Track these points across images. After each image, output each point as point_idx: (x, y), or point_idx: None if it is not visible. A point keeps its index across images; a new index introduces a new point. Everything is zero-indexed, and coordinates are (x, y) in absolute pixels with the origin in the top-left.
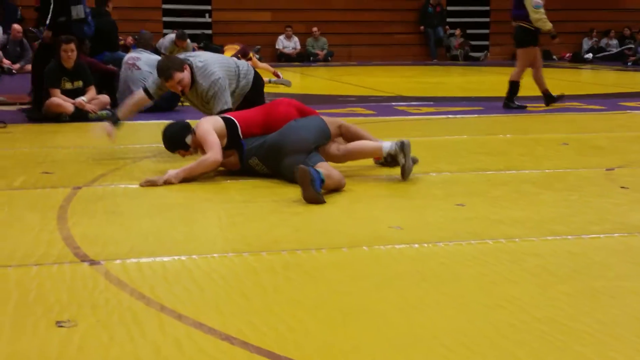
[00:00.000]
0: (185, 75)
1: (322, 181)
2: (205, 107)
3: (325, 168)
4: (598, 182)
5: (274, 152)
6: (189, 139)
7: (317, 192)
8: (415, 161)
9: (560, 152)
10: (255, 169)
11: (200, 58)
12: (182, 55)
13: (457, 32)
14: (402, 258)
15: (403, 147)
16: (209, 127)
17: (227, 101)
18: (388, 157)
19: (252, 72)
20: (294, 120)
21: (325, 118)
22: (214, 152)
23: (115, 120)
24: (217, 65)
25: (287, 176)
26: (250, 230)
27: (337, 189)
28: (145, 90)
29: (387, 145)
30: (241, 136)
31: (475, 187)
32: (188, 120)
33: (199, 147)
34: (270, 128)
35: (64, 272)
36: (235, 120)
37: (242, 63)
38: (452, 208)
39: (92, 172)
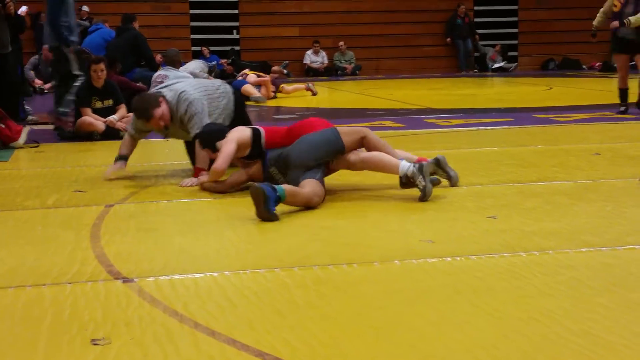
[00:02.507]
0: (163, 108)
1: (280, 198)
2: (188, 133)
3: (302, 186)
4: (632, 193)
5: (284, 164)
6: (219, 144)
7: (268, 211)
8: (436, 183)
9: (593, 162)
10: (275, 179)
11: (172, 87)
12: (153, 89)
13: (497, 47)
14: (435, 272)
15: (422, 169)
16: (231, 137)
17: (205, 121)
18: (404, 178)
19: (232, 91)
20: (307, 134)
21: (347, 128)
22: (218, 162)
23: (123, 159)
24: (192, 89)
25: None
26: (281, 246)
27: (308, 206)
28: (131, 136)
29: (405, 165)
30: (264, 146)
31: (507, 199)
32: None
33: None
34: (293, 139)
35: (98, 289)
36: (261, 130)
37: (219, 82)
38: (484, 220)
39: (123, 190)
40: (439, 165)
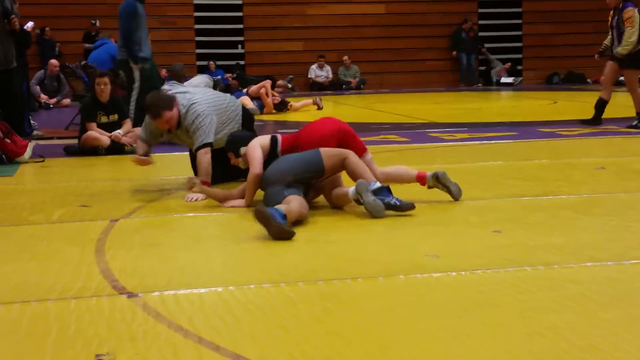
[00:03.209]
0: (174, 113)
1: (284, 216)
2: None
3: (288, 202)
4: (637, 207)
5: (264, 180)
6: (243, 150)
7: (281, 225)
8: (401, 207)
9: (597, 176)
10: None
11: (186, 95)
12: (171, 90)
13: (508, 65)
14: (440, 287)
15: (363, 187)
16: (255, 143)
17: (210, 136)
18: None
19: (241, 106)
20: (291, 154)
21: (331, 150)
22: (253, 167)
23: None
24: (204, 102)
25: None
26: (286, 260)
27: (299, 220)
28: (143, 139)
29: (352, 190)
30: (279, 153)
31: (512, 213)
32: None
33: (246, 162)
34: (303, 140)
35: (103, 305)
36: (278, 137)
37: (229, 96)
38: (489, 235)
39: (128, 205)
40: (438, 180)
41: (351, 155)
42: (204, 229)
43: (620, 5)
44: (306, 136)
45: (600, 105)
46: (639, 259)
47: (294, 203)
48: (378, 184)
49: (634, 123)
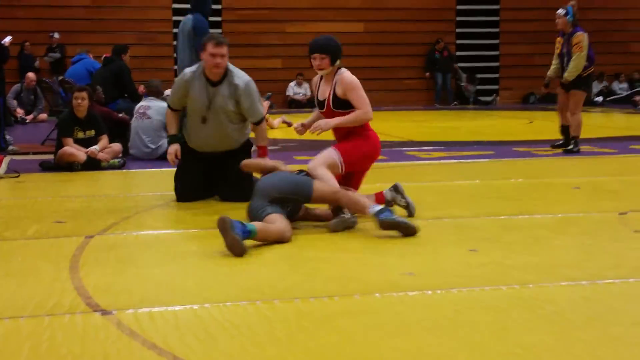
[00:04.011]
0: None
1: (250, 233)
2: (230, 113)
3: (271, 221)
4: (612, 227)
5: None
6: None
7: (237, 238)
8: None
9: (573, 196)
10: None
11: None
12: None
13: (467, 76)
14: (416, 305)
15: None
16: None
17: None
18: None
19: None
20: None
21: (323, 186)
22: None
23: (178, 139)
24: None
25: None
26: (262, 278)
27: (280, 241)
28: (169, 107)
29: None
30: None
31: (488, 232)
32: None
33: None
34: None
35: (76, 322)
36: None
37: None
38: (465, 253)
39: (104, 221)
40: (397, 190)
41: (341, 192)
42: (180, 245)
43: (570, 30)
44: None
45: (565, 130)
46: (613, 279)
47: (276, 224)
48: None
49: (570, 147)
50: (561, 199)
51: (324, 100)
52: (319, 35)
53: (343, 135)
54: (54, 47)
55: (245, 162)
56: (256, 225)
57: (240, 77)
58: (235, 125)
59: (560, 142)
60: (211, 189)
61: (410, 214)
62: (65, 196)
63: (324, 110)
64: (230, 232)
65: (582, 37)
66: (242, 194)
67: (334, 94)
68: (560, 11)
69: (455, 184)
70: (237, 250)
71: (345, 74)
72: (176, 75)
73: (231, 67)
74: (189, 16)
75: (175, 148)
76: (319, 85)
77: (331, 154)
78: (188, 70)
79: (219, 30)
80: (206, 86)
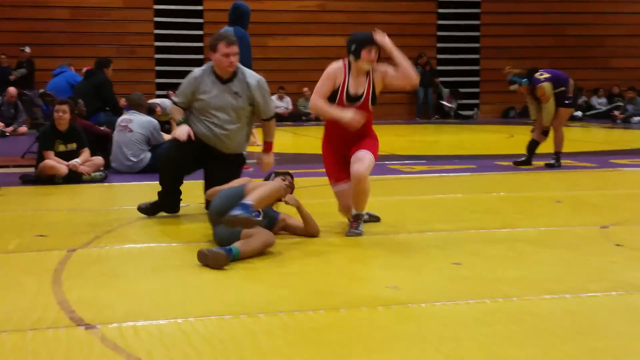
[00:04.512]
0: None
1: (232, 253)
2: (239, 110)
3: (249, 235)
4: (593, 240)
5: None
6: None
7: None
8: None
9: (555, 209)
10: None
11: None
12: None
13: (448, 92)
14: (401, 318)
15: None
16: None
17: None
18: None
19: None
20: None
21: (253, 184)
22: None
23: (184, 121)
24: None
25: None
26: (247, 292)
27: (266, 248)
28: (178, 104)
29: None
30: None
31: (472, 245)
32: None
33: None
34: None
35: (60, 337)
36: None
37: None
38: (449, 267)
39: (86, 235)
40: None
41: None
42: (163, 259)
43: (532, 86)
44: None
45: (532, 146)
46: (596, 292)
47: (255, 238)
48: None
49: (552, 162)
50: (543, 213)
51: (360, 95)
52: (357, 32)
53: (362, 131)
54: (23, 62)
55: (209, 192)
56: (237, 245)
57: (252, 75)
58: (239, 125)
59: (523, 158)
60: (196, 166)
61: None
62: (47, 209)
63: (360, 104)
64: (213, 253)
65: (544, 89)
66: (228, 175)
67: (373, 89)
68: (515, 86)
69: (438, 198)
70: (219, 262)
71: (380, 66)
72: (157, 89)
73: (240, 65)
74: (230, 28)
75: (188, 128)
76: (347, 79)
77: (373, 160)
78: (198, 69)
79: (201, 44)
80: (216, 83)
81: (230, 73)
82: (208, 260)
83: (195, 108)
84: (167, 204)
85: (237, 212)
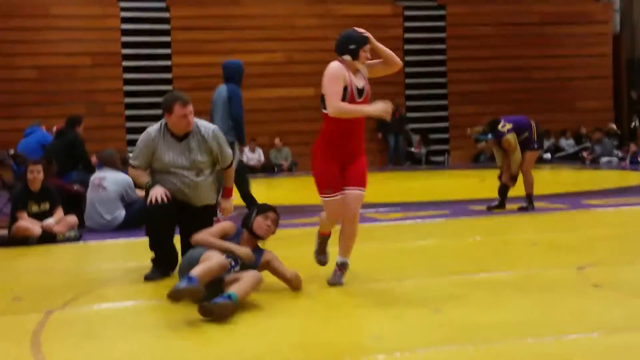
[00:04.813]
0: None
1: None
2: (198, 164)
3: (204, 259)
4: (571, 282)
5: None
6: None
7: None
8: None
9: (531, 252)
10: None
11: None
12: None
13: (419, 139)
14: None
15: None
16: None
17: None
18: None
19: None
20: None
21: (208, 253)
22: None
23: (153, 184)
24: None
25: None
26: (228, 348)
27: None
28: (132, 166)
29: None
30: None
31: (451, 291)
32: None
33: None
34: None
35: None
36: None
37: None
38: (430, 314)
39: (63, 296)
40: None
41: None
42: (142, 318)
43: (497, 140)
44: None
45: (503, 190)
46: (577, 333)
47: (245, 281)
48: None
49: (525, 205)
50: (520, 256)
51: (362, 88)
52: (346, 31)
53: (360, 137)
54: None
55: (194, 238)
56: (234, 290)
57: (206, 126)
58: (204, 177)
59: (496, 202)
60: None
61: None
62: (22, 272)
63: (363, 98)
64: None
65: (509, 141)
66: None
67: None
68: (482, 144)
69: (414, 245)
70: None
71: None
72: (128, 145)
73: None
74: (223, 86)
75: (162, 189)
76: (350, 76)
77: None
78: (152, 129)
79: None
80: (173, 142)
81: (186, 130)
82: (214, 313)
83: (156, 168)
84: (166, 262)
85: (181, 285)
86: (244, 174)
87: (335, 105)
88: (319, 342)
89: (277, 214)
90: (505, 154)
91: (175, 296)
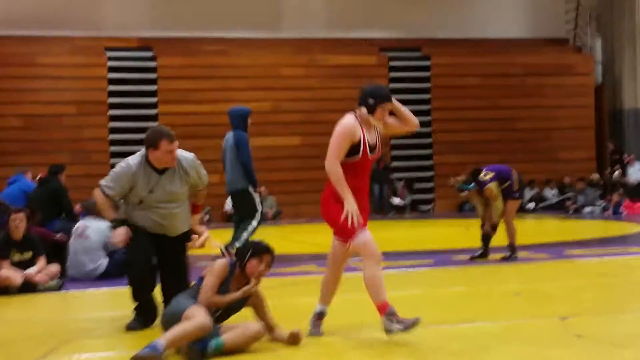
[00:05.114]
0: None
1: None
2: (175, 194)
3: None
4: (553, 332)
5: None
6: None
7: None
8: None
9: (514, 303)
10: None
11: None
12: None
13: (403, 183)
14: None
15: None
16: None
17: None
18: None
19: None
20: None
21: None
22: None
23: (123, 222)
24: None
25: None
26: None
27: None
28: (105, 195)
29: None
30: None
31: (432, 342)
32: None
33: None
34: None
35: None
36: None
37: None
38: None
39: (42, 347)
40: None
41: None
42: None
43: (479, 190)
44: None
45: (486, 239)
46: None
47: (190, 322)
48: None
49: (508, 255)
50: (503, 306)
51: (374, 145)
52: (371, 85)
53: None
54: None
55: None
56: (224, 338)
57: (184, 156)
58: (182, 206)
59: (480, 252)
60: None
61: None
62: (1, 322)
63: (375, 154)
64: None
65: (491, 190)
66: (178, 285)
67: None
68: (465, 193)
69: (396, 295)
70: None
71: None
72: None
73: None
74: (231, 133)
75: (126, 230)
76: (363, 132)
77: None
78: (132, 162)
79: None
80: (154, 175)
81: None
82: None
83: (134, 203)
84: (148, 311)
85: (145, 351)
86: (257, 224)
87: (333, 167)
88: None
89: (272, 255)
90: (487, 204)
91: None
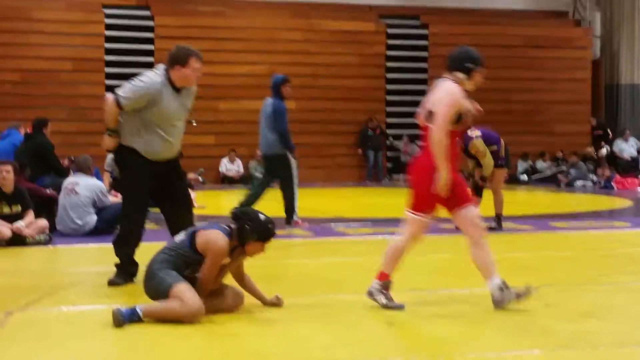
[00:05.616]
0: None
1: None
2: (185, 115)
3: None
4: (523, 301)
5: None
6: None
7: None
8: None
9: None
10: None
11: None
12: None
13: (405, 139)
14: None
15: None
16: None
17: None
18: None
19: None
20: None
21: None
22: None
23: (112, 132)
24: None
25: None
26: (181, 353)
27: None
28: (119, 107)
29: None
30: None
31: (408, 306)
32: None
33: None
34: None
35: None
36: None
37: None
38: (383, 325)
39: (25, 297)
40: None
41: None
42: (100, 321)
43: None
44: None
45: None
46: (518, 350)
47: (177, 302)
48: None
49: (492, 225)
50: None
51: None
52: (464, 47)
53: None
54: None
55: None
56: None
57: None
58: (183, 121)
59: (494, 223)
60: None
61: None
62: None
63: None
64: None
65: (476, 146)
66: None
67: None
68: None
69: (378, 260)
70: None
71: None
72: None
73: None
74: (269, 100)
75: (116, 141)
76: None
77: None
78: (157, 78)
79: None
80: (174, 94)
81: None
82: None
83: (146, 119)
84: (129, 265)
85: (121, 310)
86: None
87: (443, 133)
88: (273, 351)
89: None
90: (478, 163)
91: (115, 317)
